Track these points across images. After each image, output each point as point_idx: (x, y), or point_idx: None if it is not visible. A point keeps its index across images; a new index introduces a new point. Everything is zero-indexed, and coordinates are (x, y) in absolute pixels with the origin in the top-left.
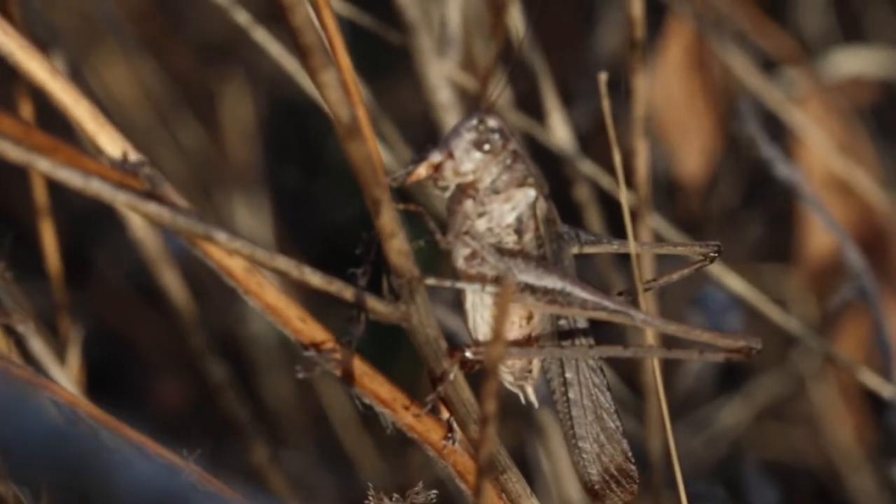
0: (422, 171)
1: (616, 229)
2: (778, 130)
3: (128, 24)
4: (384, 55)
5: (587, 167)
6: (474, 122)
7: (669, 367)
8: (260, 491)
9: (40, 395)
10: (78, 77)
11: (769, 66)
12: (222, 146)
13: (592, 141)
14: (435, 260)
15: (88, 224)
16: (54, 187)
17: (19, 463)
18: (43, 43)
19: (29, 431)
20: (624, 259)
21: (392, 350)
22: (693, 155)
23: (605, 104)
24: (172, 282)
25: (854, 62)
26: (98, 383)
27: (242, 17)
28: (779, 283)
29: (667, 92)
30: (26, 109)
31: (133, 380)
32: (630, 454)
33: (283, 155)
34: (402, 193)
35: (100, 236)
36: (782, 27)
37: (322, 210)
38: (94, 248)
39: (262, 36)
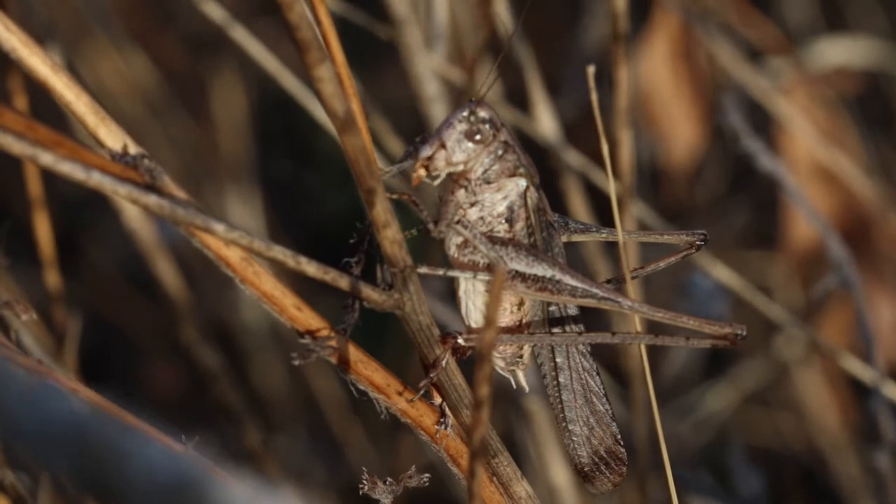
0: (420, 171)
1: (598, 218)
2: (763, 120)
3: (118, 18)
4: (372, 48)
5: (573, 157)
6: (466, 112)
7: (656, 354)
8: (253, 475)
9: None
10: (70, 70)
11: (755, 56)
12: (213, 138)
13: (578, 131)
14: (428, 248)
15: (82, 213)
16: (48, 177)
17: (36, 448)
18: (38, 38)
19: (48, 418)
20: (610, 247)
21: (385, 337)
22: (679, 144)
23: (594, 97)
24: (166, 271)
25: (839, 52)
26: (92, 371)
27: (218, 13)
28: (764, 271)
29: (653, 82)
30: (21, 102)
31: (127, 367)
32: (619, 437)
33: (274, 146)
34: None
35: (93, 226)
36: (768, 18)
37: (312, 200)
38: (88, 238)
39: (241, 35)
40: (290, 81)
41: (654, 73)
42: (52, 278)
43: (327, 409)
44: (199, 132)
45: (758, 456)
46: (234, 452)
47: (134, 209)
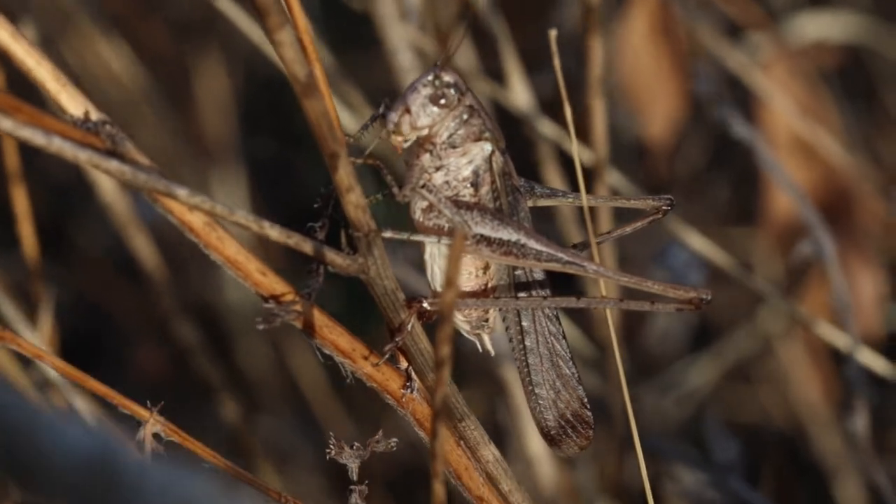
0: (399, 139)
1: (573, 188)
2: (743, 95)
3: (103, 1)
4: (350, 23)
5: (548, 128)
6: (430, 77)
7: (636, 326)
8: (232, 453)
9: None
10: (53, 53)
11: (734, 31)
12: (198, 120)
13: (558, 104)
14: (396, 213)
15: (68, 196)
16: (32, 159)
17: None
18: (11, 16)
19: None
20: (583, 214)
21: (351, 302)
22: (659, 118)
23: (556, 63)
24: (143, 249)
25: (819, 26)
26: (78, 351)
27: None
28: (746, 245)
29: (633, 56)
30: None
31: (113, 348)
32: (586, 400)
33: (259, 127)
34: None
35: (79, 208)
36: None
37: (298, 180)
38: (74, 221)
39: (226, 5)
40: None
41: (634, 47)
42: (31, 256)
43: (313, 389)
44: (184, 115)
45: (740, 429)
46: (217, 431)
47: (112, 186)
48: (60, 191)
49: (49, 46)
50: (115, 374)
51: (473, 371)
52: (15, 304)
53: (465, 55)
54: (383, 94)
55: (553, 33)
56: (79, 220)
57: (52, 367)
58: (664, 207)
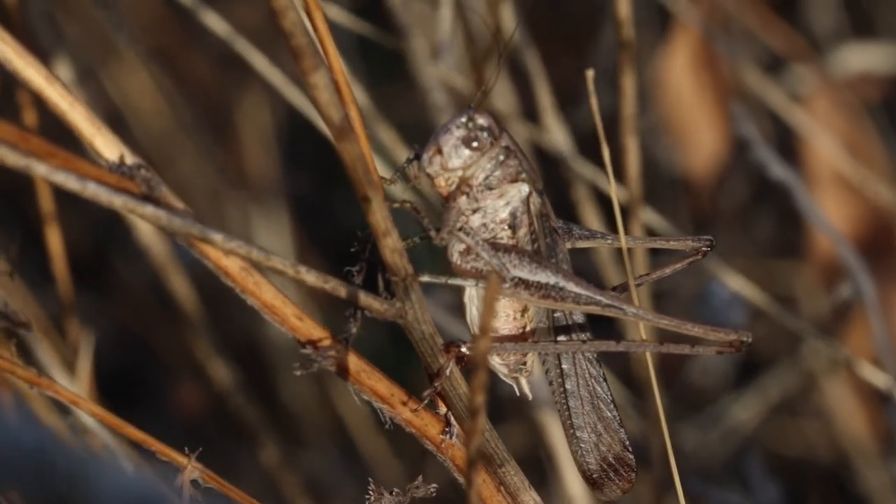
0: (442, 183)
1: (609, 228)
2: (786, 129)
3: (144, 35)
4: (383, 59)
5: (585, 166)
6: (464, 119)
7: (677, 362)
8: (273, 492)
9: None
10: (93, 86)
11: (777, 63)
12: (239, 155)
13: (594, 141)
14: (434, 256)
15: (110, 231)
16: (72, 195)
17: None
18: (50, 51)
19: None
20: (621, 255)
21: (389, 346)
22: (701, 152)
23: (593, 100)
24: (188, 291)
25: (863, 58)
26: (118, 388)
27: (241, 44)
28: (790, 281)
29: (674, 90)
30: (30, 118)
31: (153, 384)
32: (628, 443)
33: (300, 162)
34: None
35: (121, 243)
36: (792, 24)
37: (340, 214)
38: (116, 256)
39: (261, 64)
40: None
41: (675, 80)
42: (66, 294)
43: (355, 424)
44: (225, 149)
45: (785, 466)
46: (258, 467)
47: (150, 227)
48: (103, 226)
49: (89, 79)
50: (155, 411)
51: (512, 413)
52: (54, 343)
53: (501, 92)
54: (417, 131)
55: (590, 74)
56: (120, 255)
57: (90, 414)
58: (704, 248)
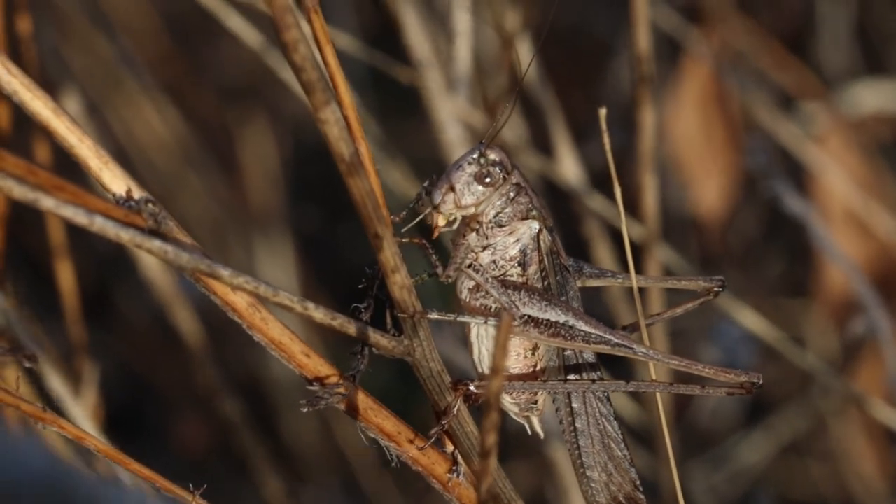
0: (440, 221)
1: (623, 264)
2: (797, 167)
3: (149, 67)
4: (395, 91)
5: (598, 202)
6: (475, 155)
7: (687, 401)
8: None
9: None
10: (99, 120)
11: (789, 101)
12: (245, 189)
13: (607, 177)
14: (443, 293)
15: (114, 265)
16: (78, 229)
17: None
18: (57, 84)
19: (18, 468)
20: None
21: (395, 382)
22: (712, 190)
23: (605, 139)
24: (193, 326)
25: (876, 97)
26: (124, 423)
27: (270, 57)
28: (800, 319)
29: (684, 128)
30: (39, 152)
31: (158, 419)
32: (638, 483)
33: (307, 197)
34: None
35: (125, 277)
36: (804, 62)
37: (347, 253)
38: (120, 290)
39: (279, 70)
40: None
41: (685, 118)
42: (76, 328)
43: (360, 461)
44: (231, 182)
45: None
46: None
47: (155, 261)
48: (107, 260)
49: (95, 113)
50: (159, 447)
51: (521, 451)
52: (60, 376)
53: (514, 127)
54: (431, 166)
55: (602, 111)
56: (125, 290)
57: (96, 449)
58: (716, 289)
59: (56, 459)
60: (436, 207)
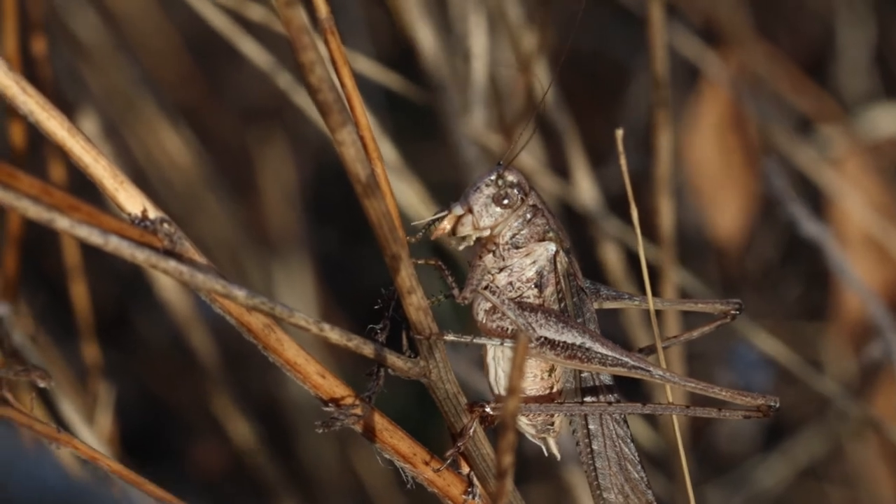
0: (446, 224)
1: (639, 287)
2: (815, 191)
3: (168, 88)
4: (412, 112)
5: (615, 225)
6: (493, 176)
7: (704, 424)
8: None
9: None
10: (117, 141)
11: (807, 125)
12: (262, 210)
13: (624, 200)
14: (459, 314)
15: (131, 286)
16: (95, 249)
17: None
18: (74, 105)
19: (35, 485)
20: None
21: (411, 403)
22: (729, 214)
23: (622, 161)
24: (209, 348)
25: (894, 121)
26: (141, 444)
27: (284, 80)
28: (817, 343)
29: (702, 151)
30: (54, 172)
31: (174, 441)
32: None
33: (324, 218)
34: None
35: (142, 298)
36: (822, 86)
37: (363, 274)
38: (137, 311)
39: (295, 94)
40: None
41: (703, 142)
42: (91, 350)
43: (375, 483)
44: (249, 204)
45: None
46: None
47: (172, 282)
48: (123, 281)
49: (112, 134)
50: (175, 469)
51: (537, 472)
52: (75, 397)
53: (531, 150)
54: (447, 188)
55: (619, 133)
56: (141, 311)
57: (110, 470)
58: (733, 312)
59: (72, 477)
60: (454, 230)
